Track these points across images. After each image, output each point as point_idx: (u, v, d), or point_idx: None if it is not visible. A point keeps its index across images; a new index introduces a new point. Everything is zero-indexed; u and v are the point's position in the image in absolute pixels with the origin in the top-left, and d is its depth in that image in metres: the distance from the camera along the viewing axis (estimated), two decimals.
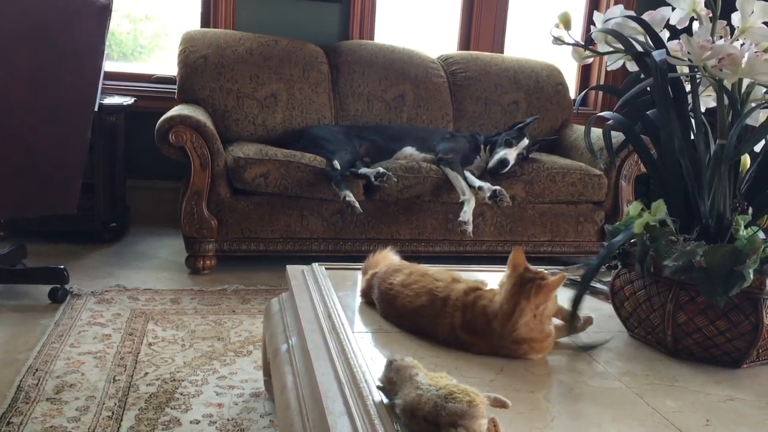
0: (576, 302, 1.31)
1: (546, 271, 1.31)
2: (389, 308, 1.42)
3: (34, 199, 2.30)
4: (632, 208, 1.41)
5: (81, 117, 2.32)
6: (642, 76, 1.41)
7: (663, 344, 1.36)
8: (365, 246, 2.98)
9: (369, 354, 1.25)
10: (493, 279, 1.40)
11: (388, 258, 1.67)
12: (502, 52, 4.04)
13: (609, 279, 1.52)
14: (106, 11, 2.28)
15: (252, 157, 2.81)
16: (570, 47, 1.47)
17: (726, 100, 1.35)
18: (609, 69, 1.54)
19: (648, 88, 1.35)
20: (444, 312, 1.31)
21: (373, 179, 2.86)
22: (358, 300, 1.56)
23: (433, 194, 3.02)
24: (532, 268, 1.30)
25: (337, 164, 2.85)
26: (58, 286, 2.43)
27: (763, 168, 1.41)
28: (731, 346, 1.30)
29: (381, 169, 2.87)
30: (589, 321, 1.41)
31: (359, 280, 1.64)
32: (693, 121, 1.38)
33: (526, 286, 1.25)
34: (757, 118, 1.42)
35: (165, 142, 2.75)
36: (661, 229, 1.35)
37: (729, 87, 1.35)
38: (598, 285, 1.76)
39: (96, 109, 2.42)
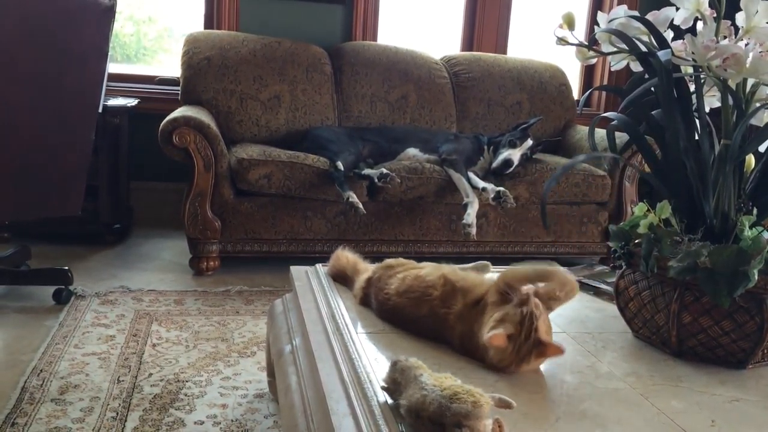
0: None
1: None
2: (391, 317, 1.41)
3: (36, 201, 2.30)
4: (638, 208, 1.41)
5: (84, 119, 2.33)
6: (646, 76, 1.41)
7: (667, 345, 1.36)
8: (369, 247, 2.98)
9: (373, 355, 1.25)
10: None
11: (350, 258, 1.67)
12: (505, 53, 4.04)
13: (613, 279, 1.52)
14: (110, 13, 2.28)
15: (255, 158, 2.81)
16: (574, 48, 1.46)
17: (730, 100, 1.35)
18: (613, 69, 1.54)
19: (652, 89, 1.35)
20: (446, 325, 1.30)
21: (376, 180, 2.86)
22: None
23: (437, 195, 3.02)
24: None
25: (340, 165, 2.85)
26: (62, 287, 2.43)
27: (767, 168, 1.41)
28: (736, 346, 1.29)
29: (384, 170, 2.87)
30: None
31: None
32: (697, 121, 1.38)
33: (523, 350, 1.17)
34: (761, 118, 1.41)
35: (168, 143, 2.75)
36: (666, 230, 1.35)
37: (733, 87, 1.34)
38: (603, 285, 1.75)
39: (100, 110, 2.42)
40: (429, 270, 1.42)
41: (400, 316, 1.38)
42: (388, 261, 1.53)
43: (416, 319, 1.35)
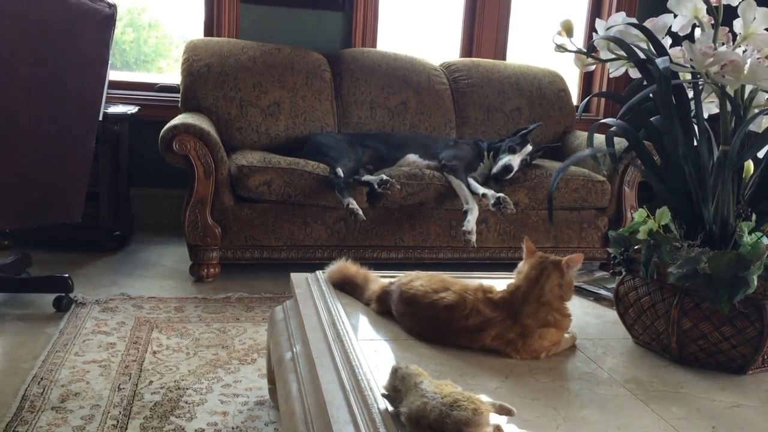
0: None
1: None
2: (406, 307, 1.43)
3: (37, 209, 2.31)
4: (638, 214, 1.41)
5: (85, 126, 2.33)
6: (644, 82, 1.42)
7: (668, 351, 1.36)
8: (369, 253, 2.98)
9: (373, 362, 1.25)
10: (497, 285, 1.40)
11: (359, 267, 1.69)
12: (504, 59, 4.04)
13: (613, 285, 1.52)
14: (110, 21, 2.29)
15: (255, 164, 2.82)
16: (572, 54, 1.47)
17: (729, 107, 1.36)
18: (611, 76, 1.54)
19: (651, 95, 1.35)
20: (464, 308, 1.34)
21: (376, 186, 2.86)
22: (363, 308, 1.56)
23: (437, 201, 3.02)
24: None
25: (340, 172, 2.86)
26: (63, 294, 2.43)
27: (766, 174, 1.41)
28: (736, 352, 1.30)
29: (384, 177, 2.88)
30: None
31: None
32: (696, 127, 1.39)
33: (548, 262, 1.38)
34: (759, 124, 1.42)
35: (169, 150, 2.76)
36: (666, 236, 1.36)
37: (732, 93, 1.35)
38: (602, 291, 1.76)
39: (100, 117, 2.42)
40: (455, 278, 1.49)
41: (417, 301, 1.41)
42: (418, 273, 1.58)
43: (433, 303, 1.37)
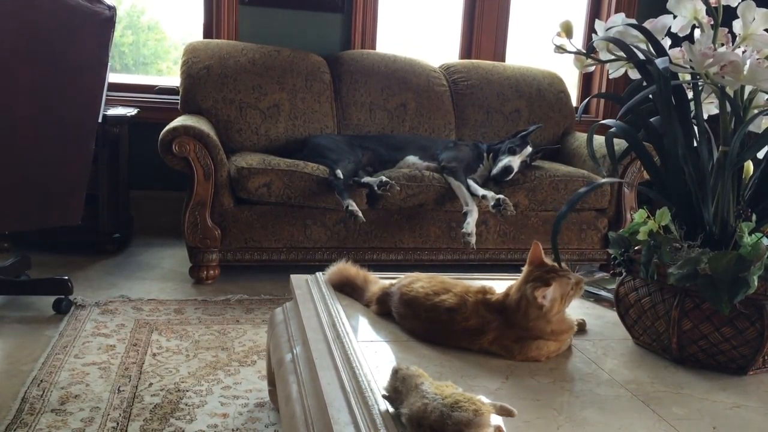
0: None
1: (562, 267, 1.35)
2: (407, 309, 1.43)
3: (37, 211, 2.30)
4: (638, 215, 1.41)
5: (84, 130, 2.33)
6: (644, 83, 1.42)
7: (668, 351, 1.36)
8: (369, 255, 2.98)
9: (374, 363, 1.25)
10: (497, 286, 1.40)
11: (359, 269, 1.69)
12: (503, 60, 4.05)
13: (613, 286, 1.52)
14: (109, 23, 2.29)
15: (255, 167, 2.82)
16: (572, 55, 1.47)
17: (728, 107, 1.36)
18: (611, 77, 1.54)
19: (650, 96, 1.35)
20: (460, 304, 1.35)
21: (376, 188, 2.86)
22: (363, 309, 1.56)
23: (436, 203, 3.02)
24: (549, 262, 1.35)
25: (339, 173, 2.86)
26: (62, 297, 2.43)
27: (766, 175, 1.41)
28: (737, 353, 1.30)
29: (384, 178, 2.88)
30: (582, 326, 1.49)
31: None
32: (696, 128, 1.39)
33: (524, 294, 1.30)
34: (759, 125, 1.42)
35: (168, 152, 2.76)
36: (666, 236, 1.36)
37: (731, 94, 1.35)
38: (603, 292, 1.76)
39: (100, 120, 2.42)
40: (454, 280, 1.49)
41: (418, 303, 1.41)
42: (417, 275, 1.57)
43: (435, 306, 1.37)
